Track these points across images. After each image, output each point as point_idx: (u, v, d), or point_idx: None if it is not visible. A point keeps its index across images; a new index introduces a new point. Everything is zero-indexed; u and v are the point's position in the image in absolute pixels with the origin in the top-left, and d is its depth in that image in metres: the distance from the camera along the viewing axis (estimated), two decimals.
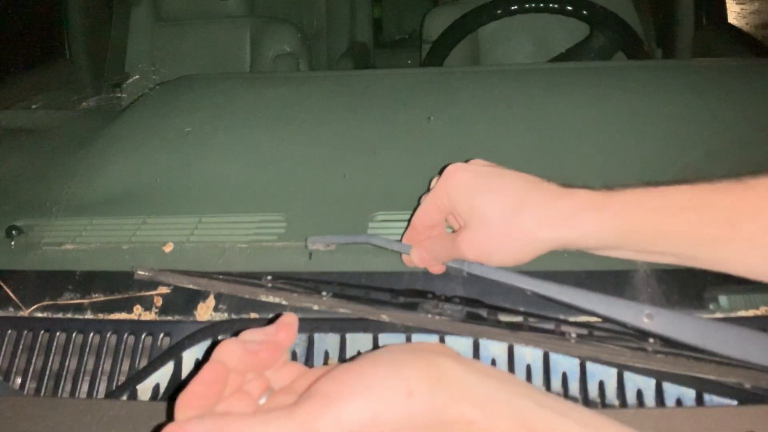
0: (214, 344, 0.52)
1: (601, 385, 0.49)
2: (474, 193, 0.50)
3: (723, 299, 0.53)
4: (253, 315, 0.55)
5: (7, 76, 1.36)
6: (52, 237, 0.66)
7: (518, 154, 0.72)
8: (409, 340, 0.52)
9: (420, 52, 1.74)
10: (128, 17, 1.80)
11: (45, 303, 0.58)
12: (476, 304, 0.53)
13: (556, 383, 0.49)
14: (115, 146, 0.84)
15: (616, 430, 0.35)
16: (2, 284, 0.59)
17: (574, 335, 0.49)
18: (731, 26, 1.60)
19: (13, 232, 0.67)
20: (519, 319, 0.52)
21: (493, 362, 0.50)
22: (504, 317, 0.52)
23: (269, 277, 0.56)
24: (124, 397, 0.51)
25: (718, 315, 0.52)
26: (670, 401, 0.47)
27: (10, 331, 0.57)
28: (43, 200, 0.73)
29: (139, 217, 0.68)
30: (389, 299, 0.53)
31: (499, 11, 1.45)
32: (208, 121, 0.86)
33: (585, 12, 1.43)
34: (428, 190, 0.56)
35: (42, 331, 0.56)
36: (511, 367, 0.50)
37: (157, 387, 0.52)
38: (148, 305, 0.57)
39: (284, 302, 0.55)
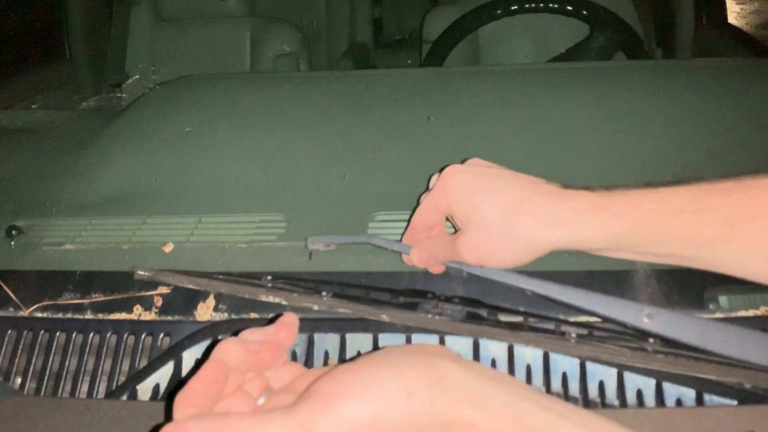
0: (214, 344, 0.52)
1: (601, 385, 0.49)
2: (472, 195, 0.50)
3: (723, 299, 0.53)
4: (253, 315, 0.55)
5: (7, 76, 1.35)
6: (52, 237, 0.66)
7: (518, 154, 0.72)
8: (409, 340, 0.52)
9: (420, 52, 1.74)
10: (128, 17, 1.80)
11: (45, 303, 0.58)
12: (476, 304, 0.53)
13: (556, 383, 0.49)
14: (115, 146, 0.84)
15: (616, 431, 0.35)
16: (2, 284, 0.59)
17: (574, 335, 0.49)
18: (731, 26, 1.60)
19: (13, 232, 0.67)
20: (519, 319, 0.52)
21: (493, 362, 0.50)
22: (504, 317, 0.52)
23: (269, 277, 0.56)
24: (124, 397, 0.51)
25: (718, 315, 0.52)
26: (670, 401, 0.47)
27: (10, 331, 0.57)
28: (43, 200, 0.73)
29: (139, 217, 0.68)
30: (389, 299, 0.53)
31: (499, 11, 1.45)
32: (208, 121, 0.86)
33: (585, 12, 1.42)
34: (427, 189, 0.56)
35: (42, 331, 0.56)
36: (511, 367, 0.50)
37: (157, 387, 0.52)
38: (148, 305, 0.57)
39: (284, 302, 0.55)
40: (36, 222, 0.69)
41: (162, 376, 0.52)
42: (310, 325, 0.53)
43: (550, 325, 0.50)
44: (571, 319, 0.52)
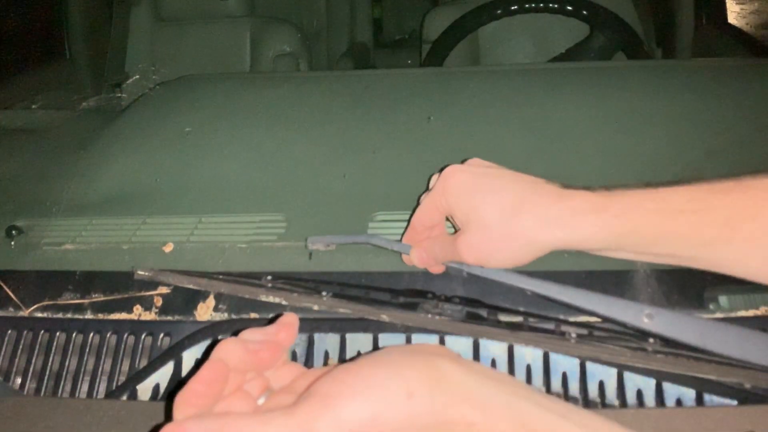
0: (214, 344, 0.52)
1: (601, 385, 0.49)
2: (472, 195, 0.50)
3: (723, 299, 0.53)
4: (253, 315, 0.55)
5: (7, 76, 1.35)
6: (52, 237, 0.66)
7: (518, 154, 0.72)
8: (409, 340, 0.52)
9: (420, 52, 1.74)
10: (128, 17, 1.80)
11: (45, 303, 0.58)
12: (476, 304, 0.53)
13: (556, 383, 0.49)
14: (115, 146, 0.84)
15: (616, 431, 0.35)
16: (2, 284, 0.59)
17: (574, 335, 0.49)
18: (731, 26, 1.60)
19: (13, 232, 0.67)
20: (519, 319, 0.52)
21: (493, 362, 0.50)
22: (504, 317, 0.52)
23: (269, 277, 0.56)
24: (124, 397, 0.51)
25: (718, 315, 0.52)
26: (670, 401, 0.47)
27: (10, 331, 0.57)
28: (43, 200, 0.73)
29: (139, 217, 0.68)
30: (389, 299, 0.53)
31: (499, 11, 1.45)
32: (208, 121, 0.86)
33: (585, 12, 1.42)
34: (428, 188, 0.56)
35: (42, 331, 0.56)
36: (511, 367, 0.50)
37: (157, 387, 0.52)
38: (148, 305, 0.57)
39: (284, 302, 0.55)
40: (36, 222, 0.69)
41: (162, 376, 0.52)
42: (310, 325, 0.53)
43: (550, 325, 0.50)
44: (571, 319, 0.52)
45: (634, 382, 0.48)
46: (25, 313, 0.58)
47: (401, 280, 0.57)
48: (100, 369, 0.54)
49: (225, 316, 0.56)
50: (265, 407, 0.38)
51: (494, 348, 0.51)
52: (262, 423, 0.34)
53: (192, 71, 1.10)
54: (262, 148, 0.80)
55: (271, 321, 0.42)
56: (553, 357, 0.50)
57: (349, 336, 0.53)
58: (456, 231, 0.54)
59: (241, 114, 0.87)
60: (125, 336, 0.55)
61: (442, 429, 0.34)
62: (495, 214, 0.48)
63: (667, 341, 0.47)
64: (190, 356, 0.53)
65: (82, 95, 1.49)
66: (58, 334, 0.56)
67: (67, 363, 0.54)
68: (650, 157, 0.70)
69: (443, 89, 0.88)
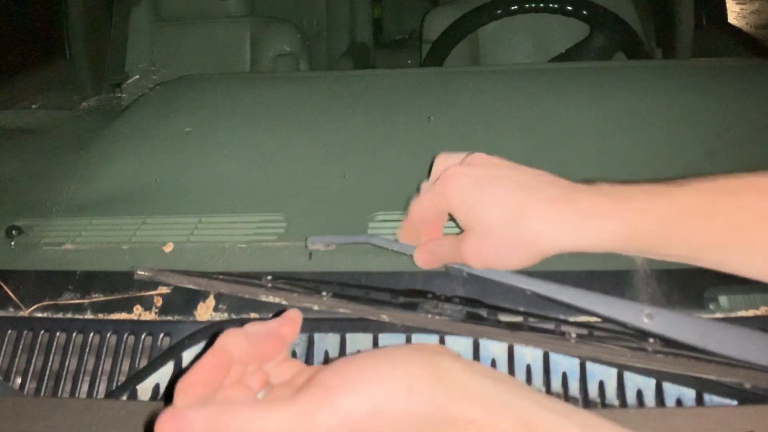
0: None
1: (601, 385, 0.49)
2: (473, 199, 0.49)
3: (723, 299, 0.53)
4: (253, 315, 0.55)
5: (7, 76, 1.35)
6: (52, 237, 0.66)
7: (518, 154, 0.72)
8: (409, 340, 0.52)
9: (420, 52, 1.74)
10: (128, 17, 1.80)
11: (45, 303, 0.58)
12: (476, 304, 0.53)
13: (556, 383, 0.49)
14: (115, 146, 0.84)
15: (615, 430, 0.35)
16: (2, 284, 0.59)
17: (574, 335, 0.49)
18: (731, 26, 1.60)
19: (13, 232, 0.67)
20: (519, 319, 0.52)
21: (493, 362, 0.50)
22: (504, 317, 0.52)
23: (269, 277, 0.56)
24: (124, 397, 0.51)
25: (718, 315, 0.52)
26: (670, 401, 0.47)
27: (10, 331, 0.57)
28: (43, 200, 0.73)
29: (139, 217, 0.68)
30: (389, 299, 0.53)
31: (499, 11, 1.45)
32: (208, 121, 0.86)
33: (585, 12, 1.43)
34: (428, 176, 0.55)
35: (42, 331, 0.56)
36: (511, 367, 0.50)
37: (157, 387, 0.52)
38: (148, 305, 0.57)
39: (284, 302, 0.55)
40: (36, 222, 0.69)
41: (162, 376, 0.52)
42: (310, 325, 0.53)
43: (550, 325, 0.50)
44: (571, 319, 0.52)
45: (634, 382, 0.48)
46: (25, 313, 0.58)
47: (401, 280, 0.57)
48: (100, 369, 0.54)
49: (225, 316, 0.56)
50: (264, 401, 0.38)
51: (494, 348, 0.51)
52: (262, 411, 0.34)
53: (192, 71, 1.10)
54: (262, 148, 0.80)
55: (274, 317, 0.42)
56: (553, 357, 0.50)
57: (349, 336, 0.53)
58: (460, 231, 0.54)
59: (241, 114, 0.87)
60: (125, 336, 0.55)
61: (442, 425, 0.34)
62: (497, 219, 0.48)
63: (667, 341, 0.47)
64: (190, 356, 0.53)
65: (82, 95, 1.49)
66: (58, 334, 0.56)
67: (67, 363, 0.54)
68: (650, 157, 0.70)
69: (443, 89, 0.88)
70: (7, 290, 0.59)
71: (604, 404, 0.48)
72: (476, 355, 0.51)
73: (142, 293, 0.58)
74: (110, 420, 0.45)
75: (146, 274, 0.58)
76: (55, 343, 0.55)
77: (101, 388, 0.53)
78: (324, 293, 0.54)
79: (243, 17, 1.80)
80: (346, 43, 2.17)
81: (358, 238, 0.59)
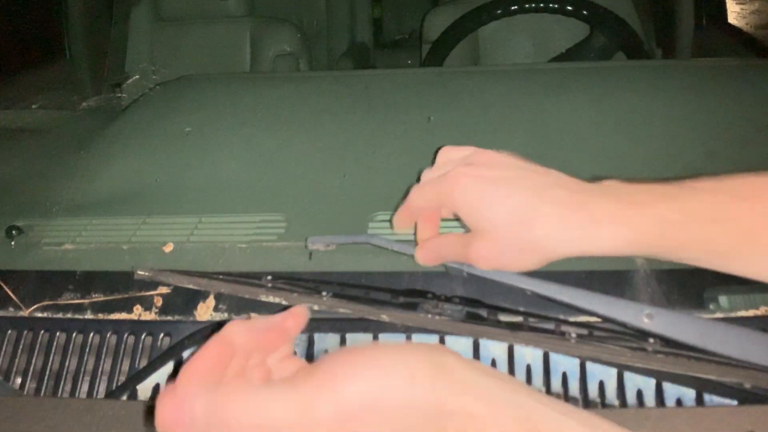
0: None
1: (601, 385, 0.49)
2: (481, 203, 0.48)
3: (723, 299, 0.53)
4: (254, 315, 0.55)
5: (7, 76, 1.36)
6: (52, 237, 0.66)
7: (518, 154, 0.72)
8: (409, 340, 0.52)
9: (420, 52, 1.74)
10: (128, 17, 1.80)
11: (45, 303, 0.58)
12: (476, 304, 0.53)
13: (556, 383, 0.49)
14: (115, 146, 0.84)
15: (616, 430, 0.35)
16: (2, 284, 0.59)
17: (574, 335, 0.49)
18: (731, 26, 1.60)
19: (13, 232, 0.67)
20: (519, 319, 0.52)
21: (493, 362, 0.50)
22: (504, 317, 0.52)
23: (269, 277, 0.56)
24: (124, 397, 0.51)
25: (718, 315, 0.52)
26: (670, 401, 0.47)
27: (10, 331, 0.57)
28: (43, 200, 0.73)
29: (139, 217, 0.68)
30: (389, 299, 0.53)
31: (499, 11, 1.45)
32: (208, 121, 0.86)
33: (585, 12, 1.42)
34: (432, 163, 0.54)
35: (42, 331, 0.56)
36: (511, 367, 0.50)
37: (157, 387, 0.52)
38: (148, 305, 0.57)
39: (284, 302, 0.55)
40: (36, 222, 0.69)
41: (162, 376, 0.52)
42: (310, 325, 0.53)
43: (550, 325, 0.50)
44: (571, 319, 0.52)
45: (634, 382, 0.48)
46: (25, 313, 0.58)
47: (401, 280, 0.57)
48: (100, 369, 0.54)
49: (225, 316, 0.56)
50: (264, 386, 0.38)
51: (494, 348, 0.51)
52: (263, 397, 0.34)
53: (192, 71, 1.10)
54: (262, 148, 0.80)
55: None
56: (553, 357, 0.50)
57: (349, 336, 0.53)
58: (465, 229, 0.53)
59: (241, 114, 0.87)
60: (125, 336, 0.55)
61: (442, 419, 0.34)
62: (506, 222, 0.47)
63: (667, 341, 0.47)
64: (190, 356, 0.53)
65: (82, 95, 1.49)
66: (58, 334, 0.56)
67: (67, 363, 0.54)
68: (650, 157, 0.70)
69: (443, 89, 0.88)
70: (7, 290, 0.59)
71: (604, 404, 0.48)
72: (476, 355, 0.51)
73: (142, 293, 0.58)
74: (110, 420, 0.45)
75: (146, 274, 0.58)
76: (55, 343, 0.55)
77: (101, 388, 0.53)
78: (324, 293, 0.54)
79: (243, 17, 1.80)
80: (346, 43, 2.17)
81: (358, 238, 0.59)
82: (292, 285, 0.55)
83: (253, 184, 0.73)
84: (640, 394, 0.48)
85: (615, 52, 1.48)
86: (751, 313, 0.52)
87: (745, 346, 0.45)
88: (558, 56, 1.57)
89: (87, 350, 0.55)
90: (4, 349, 0.56)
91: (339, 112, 0.85)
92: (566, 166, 0.71)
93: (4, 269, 0.61)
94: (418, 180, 0.54)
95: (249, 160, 0.77)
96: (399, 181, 0.69)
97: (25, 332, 0.56)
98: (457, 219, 0.53)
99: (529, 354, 0.50)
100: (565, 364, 0.50)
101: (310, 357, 0.52)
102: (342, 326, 0.53)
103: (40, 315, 0.57)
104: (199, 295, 0.57)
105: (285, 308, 0.54)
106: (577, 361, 0.50)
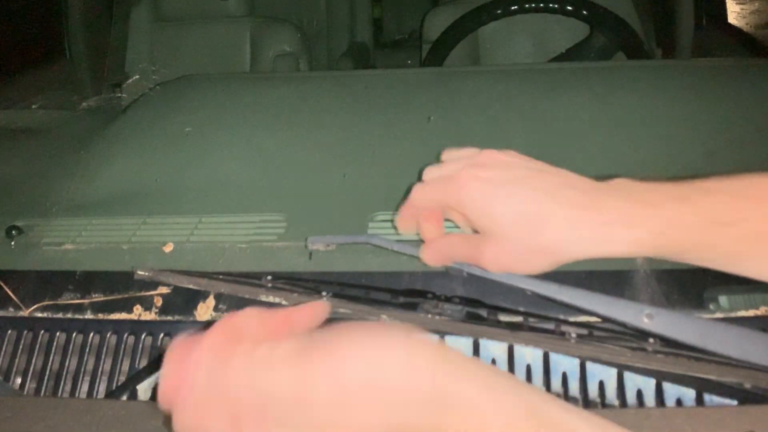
0: None
1: (601, 385, 0.49)
2: (490, 205, 0.46)
3: (723, 299, 0.53)
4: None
5: (7, 76, 1.36)
6: (52, 237, 0.66)
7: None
8: None
9: (420, 52, 1.74)
10: (128, 17, 1.80)
11: (45, 303, 0.58)
12: (476, 304, 0.53)
13: (556, 383, 0.49)
14: (115, 146, 0.84)
15: (617, 430, 0.35)
16: (2, 284, 0.59)
17: (574, 335, 0.49)
18: (731, 26, 1.60)
19: (13, 232, 0.67)
20: (519, 319, 0.52)
21: (493, 362, 0.50)
22: (504, 317, 0.52)
23: (269, 277, 0.56)
24: (124, 397, 0.51)
25: (718, 315, 0.52)
26: (670, 401, 0.47)
27: (10, 331, 0.57)
28: (43, 200, 0.73)
29: (139, 217, 0.68)
30: (389, 299, 0.53)
31: (499, 11, 1.44)
32: (208, 121, 0.86)
33: (585, 12, 1.42)
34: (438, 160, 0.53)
35: (42, 331, 0.56)
36: (511, 367, 0.50)
37: (157, 387, 0.52)
38: (148, 305, 0.57)
39: (284, 302, 0.55)
40: (36, 222, 0.69)
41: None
42: None
43: (550, 325, 0.50)
44: (571, 319, 0.52)
45: (634, 382, 0.48)
46: (25, 313, 0.58)
47: (401, 280, 0.57)
48: (100, 369, 0.54)
49: (225, 316, 0.56)
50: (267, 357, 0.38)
51: (494, 348, 0.51)
52: (263, 367, 0.34)
53: (192, 71, 1.10)
54: (262, 148, 0.80)
55: None
56: (553, 357, 0.50)
57: None
58: (474, 232, 0.52)
59: (241, 114, 0.87)
60: (125, 336, 0.55)
61: (441, 409, 0.33)
62: (517, 225, 0.45)
63: (667, 341, 0.47)
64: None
65: (82, 95, 1.49)
66: (58, 334, 0.56)
67: (67, 363, 0.54)
68: (650, 156, 0.70)
69: (443, 89, 0.88)
70: (7, 290, 0.59)
71: (604, 404, 0.48)
72: (476, 355, 0.51)
73: (142, 293, 0.58)
74: (110, 420, 0.45)
75: (146, 274, 0.58)
76: (55, 343, 0.55)
77: (101, 388, 0.53)
78: (324, 293, 0.54)
79: (243, 17, 1.79)
80: (346, 43, 2.17)
81: (358, 238, 0.59)
82: (292, 285, 0.55)
83: (253, 184, 0.73)
84: (640, 394, 0.48)
85: (615, 52, 1.48)
86: (751, 313, 0.52)
87: (745, 346, 0.45)
88: (558, 56, 1.57)
89: (87, 350, 0.55)
90: (4, 349, 0.56)
91: (339, 112, 0.85)
92: (566, 166, 0.71)
93: (4, 269, 0.61)
94: (419, 178, 0.54)
95: (249, 160, 0.77)
96: (399, 181, 0.69)
97: (25, 332, 0.56)
98: (450, 220, 0.53)
99: (529, 354, 0.50)
100: (565, 364, 0.50)
101: None
102: None
103: (40, 315, 0.57)
104: (199, 295, 0.57)
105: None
106: (577, 361, 0.49)
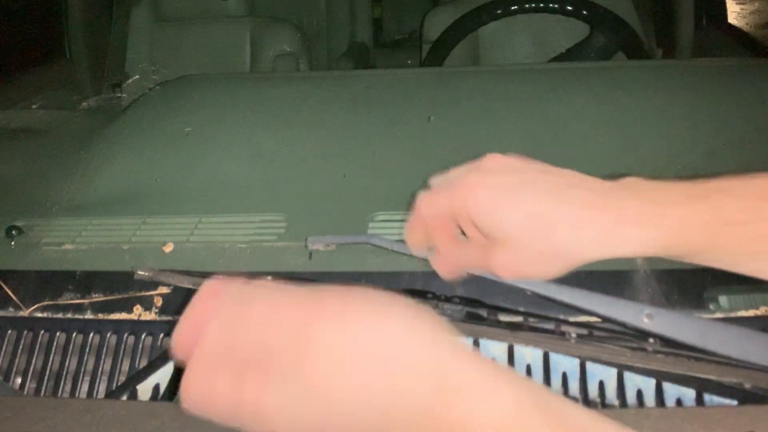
0: None
1: (601, 385, 0.49)
2: (499, 211, 0.45)
3: (723, 299, 0.53)
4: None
5: (7, 76, 1.36)
6: (52, 237, 0.66)
7: (518, 154, 0.72)
8: None
9: (420, 52, 1.74)
10: (128, 17, 1.80)
11: (45, 303, 0.58)
12: (476, 304, 0.53)
13: (556, 383, 0.49)
14: (115, 146, 0.84)
15: (617, 428, 0.35)
16: (2, 284, 0.59)
17: (574, 335, 0.49)
18: (731, 26, 1.60)
19: (13, 232, 0.67)
20: (519, 319, 0.52)
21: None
22: (504, 317, 0.52)
23: (269, 278, 0.56)
24: (124, 397, 0.51)
25: (718, 315, 0.52)
26: (670, 401, 0.47)
27: (10, 331, 0.57)
28: (43, 200, 0.73)
29: (139, 217, 0.68)
30: None
31: (499, 11, 1.45)
32: (208, 121, 0.86)
33: (585, 12, 1.42)
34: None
35: (42, 331, 0.56)
36: (511, 367, 0.50)
37: (157, 387, 0.52)
38: (148, 305, 0.57)
39: None
40: (36, 222, 0.69)
41: (162, 376, 0.52)
42: None
43: (550, 325, 0.50)
44: (571, 319, 0.52)
45: (634, 382, 0.48)
46: (25, 313, 0.58)
47: (401, 280, 0.56)
48: (100, 369, 0.54)
49: None
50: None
51: (494, 348, 0.51)
52: (285, 293, 0.35)
53: (192, 71, 1.10)
54: (262, 148, 0.80)
55: None
56: (553, 357, 0.50)
57: None
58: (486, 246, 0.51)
59: (241, 114, 0.87)
60: (125, 336, 0.55)
61: (442, 385, 0.31)
62: (527, 230, 0.44)
63: (667, 341, 0.47)
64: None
65: (82, 95, 1.49)
66: (58, 334, 0.56)
67: (67, 363, 0.54)
68: (650, 156, 0.70)
69: (443, 89, 0.88)
70: (7, 290, 0.59)
71: (604, 404, 0.48)
72: None
73: (142, 293, 0.58)
74: (110, 420, 0.45)
75: (146, 274, 0.58)
76: (55, 343, 0.55)
77: (101, 388, 0.53)
78: None
79: (243, 17, 1.80)
80: (346, 43, 2.17)
81: (358, 238, 0.59)
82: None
83: (253, 184, 0.73)
84: (640, 394, 0.48)
85: (615, 52, 1.48)
86: (751, 313, 0.52)
87: (745, 346, 0.45)
88: (558, 56, 1.57)
89: (87, 350, 0.55)
90: (4, 349, 0.56)
91: (339, 112, 0.85)
92: (566, 166, 0.71)
93: (4, 269, 0.61)
94: (424, 186, 0.52)
95: (249, 160, 0.77)
96: (399, 181, 0.69)
97: (25, 332, 0.56)
98: (463, 232, 0.51)
99: (529, 354, 0.50)
100: (565, 364, 0.50)
101: None
102: None
103: (40, 315, 0.57)
104: None
105: None
106: (577, 361, 0.50)
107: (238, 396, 0.33)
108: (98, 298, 0.58)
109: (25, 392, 0.53)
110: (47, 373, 0.54)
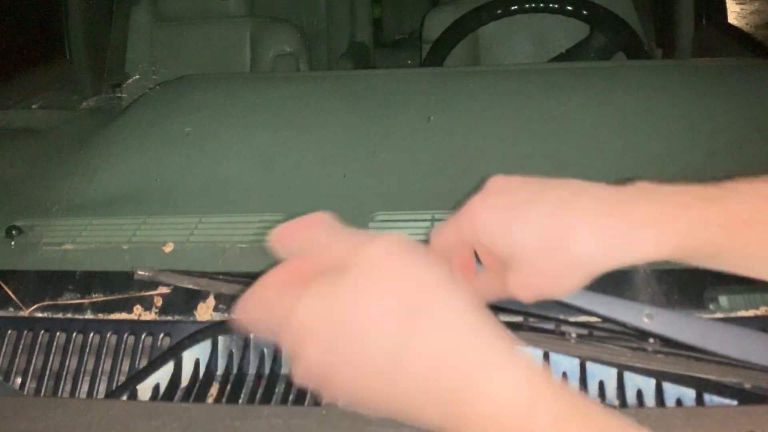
0: (215, 344, 0.52)
1: (601, 385, 0.49)
2: (508, 232, 0.44)
3: (723, 299, 0.53)
4: None
5: (7, 76, 1.35)
6: (52, 237, 0.66)
7: (518, 154, 0.72)
8: None
9: (420, 52, 1.74)
10: (128, 17, 1.80)
11: (45, 303, 0.58)
12: None
13: None
14: (115, 146, 0.84)
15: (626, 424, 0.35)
16: (2, 284, 0.59)
17: (574, 335, 0.49)
18: (731, 26, 1.60)
19: (13, 232, 0.67)
20: (519, 319, 0.52)
21: None
22: (504, 317, 0.52)
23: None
24: (124, 397, 0.51)
25: (718, 315, 0.52)
26: (670, 401, 0.47)
27: (10, 331, 0.57)
28: (43, 200, 0.73)
29: (139, 217, 0.68)
30: None
31: (499, 11, 1.45)
32: (208, 121, 0.86)
33: (585, 12, 1.43)
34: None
35: (42, 331, 0.56)
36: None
37: (157, 387, 0.52)
38: (148, 305, 0.57)
39: None
40: (36, 222, 0.69)
41: (162, 376, 0.52)
42: None
43: (550, 325, 0.50)
44: (571, 319, 0.52)
45: (634, 382, 0.48)
46: (25, 313, 0.58)
47: None
48: (100, 369, 0.54)
49: (225, 316, 0.56)
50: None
51: None
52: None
53: (192, 71, 1.10)
54: (262, 148, 0.80)
55: None
56: (553, 357, 0.50)
57: None
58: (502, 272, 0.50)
59: (241, 114, 0.87)
60: (125, 336, 0.55)
61: (476, 374, 0.34)
62: (539, 247, 0.43)
63: (667, 341, 0.47)
64: (190, 356, 0.53)
65: (82, 95, 1.49)
66: (58, 334, 0.56)
67: (67, 363, 0.54)
68: (650, 156, 0.70)
69: (443, 89, 0.88)
70: (7, 290, 0.59)
71: (604, 404, 0.48)
72: None
73: (142, 293, 0.58)
74: (110, 420, 0.45)
75: (146, 274, 0.58)
76: (55, 343, 0.55)
77: (101, 388, 0.53)
78: None
79: (243, 17, 1.80)
80: (346, 43, 2.17)
81: None
82: None
83: (253, 184, 0.73)
84: (640, 394, 0.48)
85: (615, 52, 1.48)
86: (751, 313, 0.52)
87: (745, 346, 0.45)
88: (558, 56, 1.57)
89: (87, 350, 0.55)
90: (4, 349, 0.56)
91: (339, 112, 0.85)
92: (566, 167, 0.71)
93: (4, 269, 0.61)
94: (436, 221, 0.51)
95: (249, 160, 0.77)
96: (399, 181, 0.69)
97: (25, 332, 0.56)
98: (479, 260, 0.50)
99: (529, 354, 0.50)
100: (565, 364, 0.50)
101: None
102: None
103: (40, 315, 0.57)
104: (199, 295, 0.57)
105: None
106: (577, 361, 0.49)
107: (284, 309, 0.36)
108: (98, 298, 0.58)
109: (25, 392, 0.53)
110: (47, 373, 0.54)
